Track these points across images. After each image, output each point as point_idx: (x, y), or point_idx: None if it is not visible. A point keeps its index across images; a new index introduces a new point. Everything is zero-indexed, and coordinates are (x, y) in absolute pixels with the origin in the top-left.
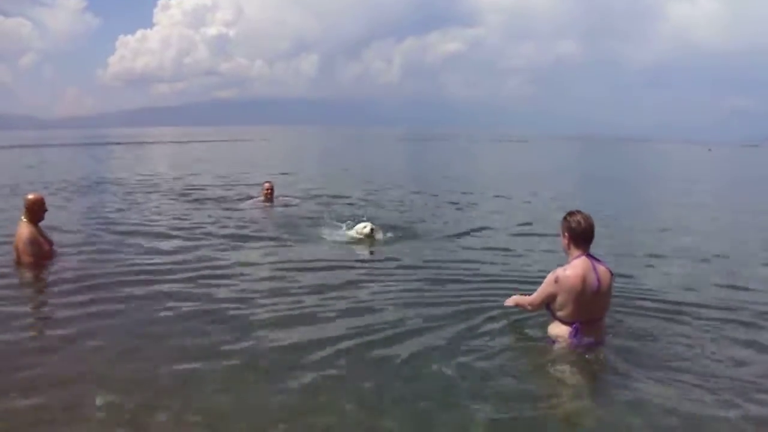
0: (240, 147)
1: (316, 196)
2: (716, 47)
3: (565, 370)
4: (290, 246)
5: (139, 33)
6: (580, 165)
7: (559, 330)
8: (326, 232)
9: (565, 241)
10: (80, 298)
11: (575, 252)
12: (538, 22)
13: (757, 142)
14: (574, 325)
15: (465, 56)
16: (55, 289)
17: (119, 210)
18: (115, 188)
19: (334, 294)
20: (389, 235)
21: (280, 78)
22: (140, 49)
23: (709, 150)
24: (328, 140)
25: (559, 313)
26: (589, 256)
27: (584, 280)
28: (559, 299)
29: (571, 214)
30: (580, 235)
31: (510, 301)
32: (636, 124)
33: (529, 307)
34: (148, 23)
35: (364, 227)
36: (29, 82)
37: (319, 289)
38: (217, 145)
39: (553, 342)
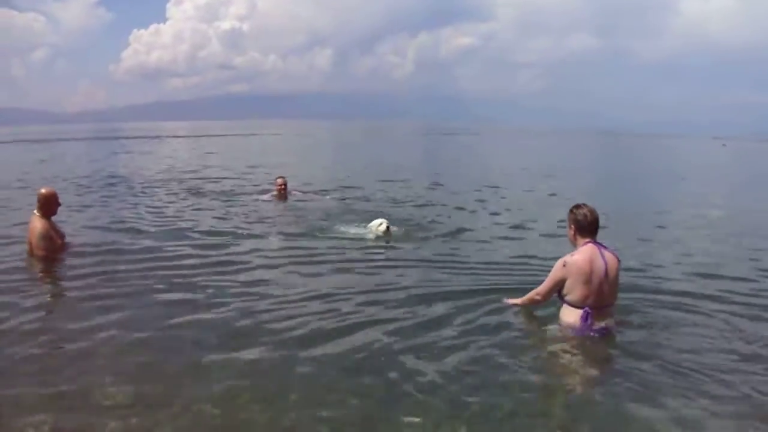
0: (253, 141)
1: (331, 191)
2: (729, 42)
3: (576, 358)
4: (304, 242)
5: (153, 27)
6: (597, 160)
7: (569, 312)
8: (341, 229)
9: (572, 233)
10: (91, 291)
11: (581, 241)
12: (551, 17)
13: None
14: (585, 309)
15: (478, 51)
16: (67, 282)
17: (130, 204)
18: (126, 183)
19: (346, 290)
20: (405, 230)
21: (293, 72)
22: (154, 44)
23: (723, 145)
24: (342, 134)
25: (569, 297)
26: (596, 242)
27: (592, 262)
28: (568, 283)
29: (577, 207)
30: (586, 227)
31: (516, 303)
32: (648, 120)
33: (538, 297)
34: (162, 17)
35: (380, 224)
36: (42, 77)
37: (332, 286)
38: (230, 140)
39: (565, 328)
